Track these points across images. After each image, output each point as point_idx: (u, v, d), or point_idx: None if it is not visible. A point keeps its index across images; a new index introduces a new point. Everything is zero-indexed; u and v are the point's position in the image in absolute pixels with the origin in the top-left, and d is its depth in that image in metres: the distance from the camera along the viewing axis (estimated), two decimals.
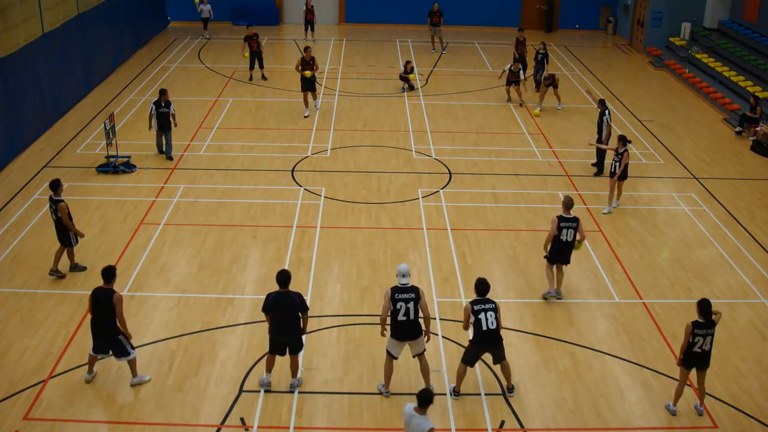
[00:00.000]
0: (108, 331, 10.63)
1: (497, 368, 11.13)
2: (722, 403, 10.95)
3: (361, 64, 28.49)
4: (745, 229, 16.26)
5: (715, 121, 23.30)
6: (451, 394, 10.87)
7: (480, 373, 11.35)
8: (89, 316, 10.80)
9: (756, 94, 22.95)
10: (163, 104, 18.64)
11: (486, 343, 10.53)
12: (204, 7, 30.72)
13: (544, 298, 13.26)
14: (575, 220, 12.94)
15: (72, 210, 13.75)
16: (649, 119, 23.14)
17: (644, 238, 15.67)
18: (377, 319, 12.53)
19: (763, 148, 20.55)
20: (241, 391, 10.90)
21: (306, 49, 21.40)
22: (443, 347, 11.97)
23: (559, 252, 13.03)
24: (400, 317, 10.36)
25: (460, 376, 10.78)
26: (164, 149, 18.95)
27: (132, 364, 10.88)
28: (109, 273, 10.70)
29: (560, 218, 12.90)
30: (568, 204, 12.99)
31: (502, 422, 10.45)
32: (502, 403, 10.79)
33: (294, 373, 10.87)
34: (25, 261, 14.22)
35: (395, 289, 10.40)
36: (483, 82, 26.39)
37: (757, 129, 21.24)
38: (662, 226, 16.17)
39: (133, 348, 10.89)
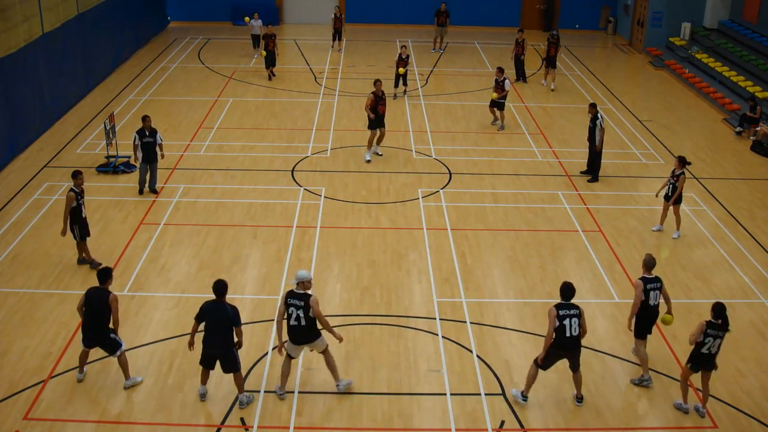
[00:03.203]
0: (99, 330, 10.61)
1: (498, 369, 11.12)
2: (722, 403, 10.95)
3: (361, 64, 28.49)
4: (745, 229, 16.26)
5: (715, 121, 23.30)
6: (520, 399, 10.71)
7: (480, 373, 11.35)
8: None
9: (756, 94, 22.98)
10: (147, 133, 16.45)
11: (566, 348, 10.40)
12: (255, 23, 28.58)
13: (636, 384, 11.26)
14: (659, 279, 11.23)
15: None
16: (649, 119, 23.14)
17: (644, 238, 15.67)
18: (377, 319, 12.60)
19: (763, 148, 20.56)
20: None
21: (376, 82, 18.91)
22: (443, 347, 11.97)
23: (650, 319, 11.23)
24: (292, 322, 10.32)
25: (533, 378, 10.59)
26: (148, 183, 16.86)
27: (124, 366, 10.85)
28: (103, 274, 10.63)
29: (645, 279, 11.10)
30: (650, 264, 11.22)
31: (502, 422, 10.45)
32: (502, 403, 10.79)
33: (239, 389, 10.60)
34: (25, 261, 14.22)
35: (289, 294, 10.32)
36: (483, 82, 26.38)
37: (757, 129, 21.25)
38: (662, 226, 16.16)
39: (121, 339, 10.85)
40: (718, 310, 10.20)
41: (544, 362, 10.55)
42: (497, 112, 21.74)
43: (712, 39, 28.85)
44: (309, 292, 10.35)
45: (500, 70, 21.30)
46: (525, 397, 10.73)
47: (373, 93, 18.95)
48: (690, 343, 10.32)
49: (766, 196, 17.91)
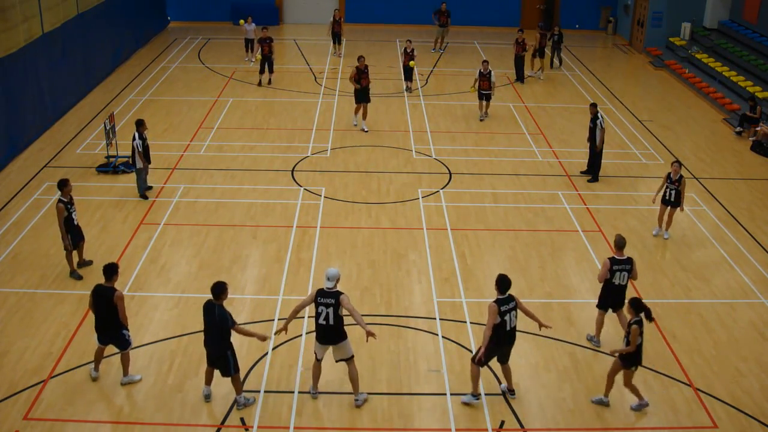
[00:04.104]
0: (110, 327, 10.65)
1: (497, 368, 11.12)
2: (722, 403, 10.95)
3: None
4: (745, 229, 16.26)
5: (715, 121, 23.30)
6: (474, 400, 10.70)
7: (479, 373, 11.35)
8: (90, 315, 10.81)
9: (756, 94, 22.97)
10: (144, 136, 16.43)
11: (507, 341, 10.48)
12: (249, 27, 27.71)
13: (589, 340, 12.30)
14: (629, 261, 11.69)
15: None
16: (649, 119, 23.14)
17: (644, 238, 15.67)
18: (377, 319, 12.60)
19: (763, 148, 20.56)
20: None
21: (360, 58, 20.71)
22: (443, 347, 11.97)
23: (611, 297, 11.87)
24: (320, 321, 10.28)
25: (477, 377, 10.62)
26: (144, 185, 16.87)
27: (126, 363, 10.88)
28: (109, 270, 10.66)
29: (612, 260, 11.64)
30: (620, 244, 11.69)
31: (502, 422, 10.45)
32: (502, 403, 10.79)
33: (237, 392, 10.57)
34: (25, 261, 14.22)
35: (319, 292, 10.24)
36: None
37: (757, 129, 21.25)
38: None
39: (131, 339, 10.91)
40: (638, 305, 10.26)
41: (485, 359, 10.53)
42: (485, 104, 22.23)
43: (712, 39, 28.84)
44: (338, 289, 10.28)
45: (486, 62, 21.99)
46: (476, 396, 10.70)
47: (356, 67, 20.47)
48: (632, 349, 10.27)
49: (766, 196, 17.91)
